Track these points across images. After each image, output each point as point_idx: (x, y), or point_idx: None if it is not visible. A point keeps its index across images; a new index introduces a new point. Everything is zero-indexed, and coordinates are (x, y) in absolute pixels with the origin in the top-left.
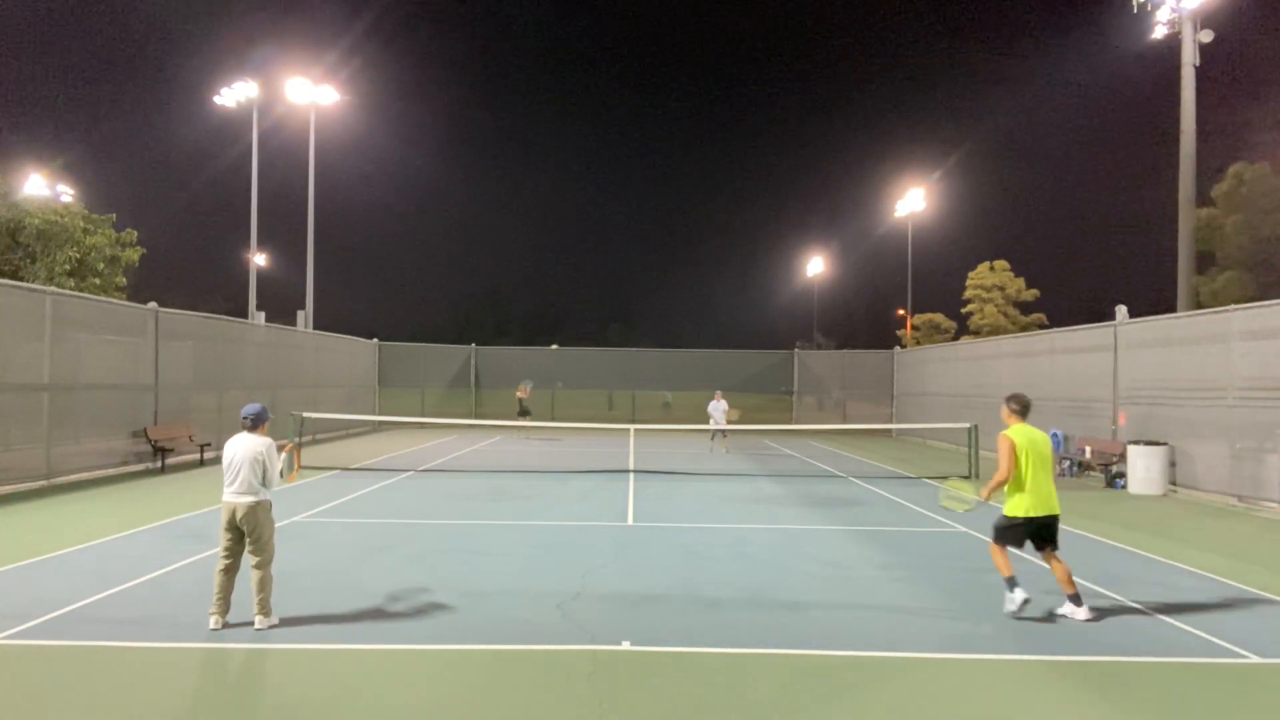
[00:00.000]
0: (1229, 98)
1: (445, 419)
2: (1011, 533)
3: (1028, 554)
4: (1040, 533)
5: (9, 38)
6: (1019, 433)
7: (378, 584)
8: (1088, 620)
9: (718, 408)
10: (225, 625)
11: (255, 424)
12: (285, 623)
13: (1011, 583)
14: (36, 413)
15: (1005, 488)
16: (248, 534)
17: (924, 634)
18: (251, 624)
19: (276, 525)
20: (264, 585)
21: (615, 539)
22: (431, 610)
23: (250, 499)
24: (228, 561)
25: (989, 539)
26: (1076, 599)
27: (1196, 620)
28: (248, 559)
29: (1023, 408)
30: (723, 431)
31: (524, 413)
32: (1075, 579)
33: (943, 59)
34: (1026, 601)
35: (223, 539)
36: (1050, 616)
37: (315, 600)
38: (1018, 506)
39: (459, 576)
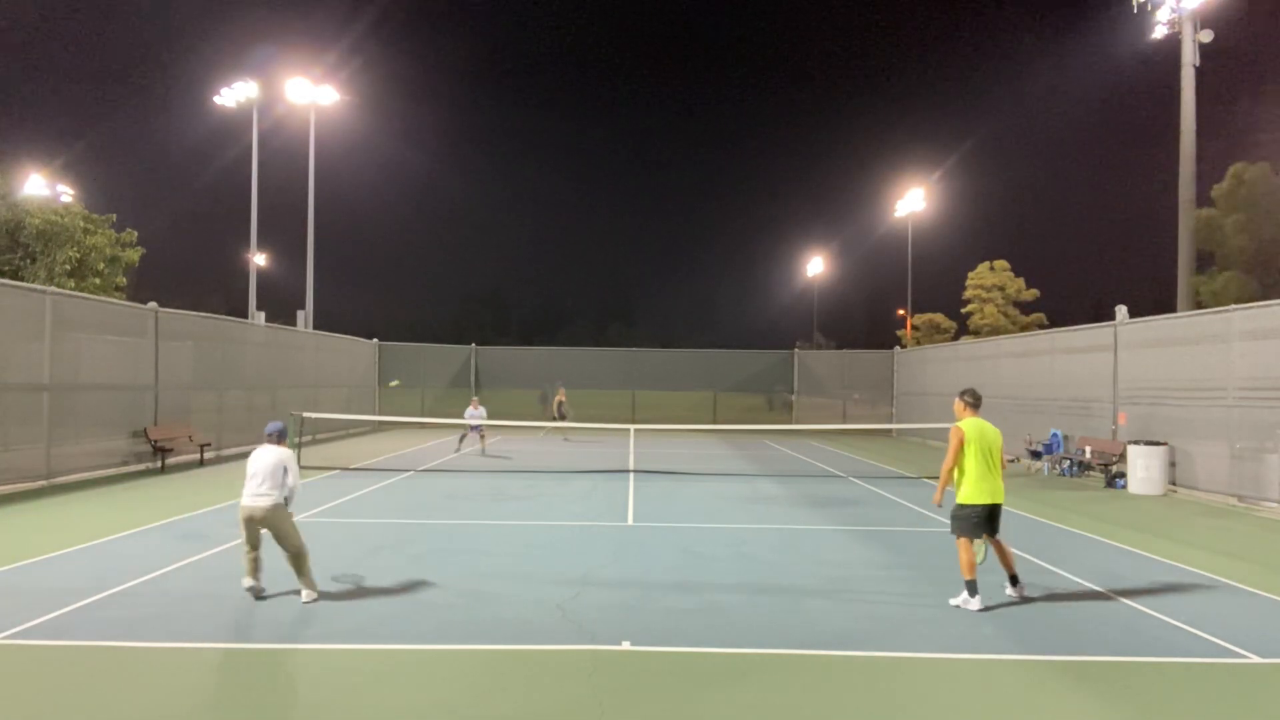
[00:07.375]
0: (1229, 98)
1: (445, 419)
2: (967, 521)
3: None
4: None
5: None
6: (969, 425)
7: (378, 584)
8: (1005, 602)
9: (474, 414)
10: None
11: (280, 438)
12: (285, 623)
13: (972, 587)
14: (36, 413)
15: (956, 478)
16: (272, 532)
17: (924, 634)
18: (298, 595)
19: None
20: (303, 568)
21: (615, 539)
22: (431, 610)
23: (269, 501)
24: (254, 552)
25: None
26: (1015, 580)
27: (1196, 620)
28: (283, 553)
29: (976, 400)
30: (479, 432)
31: (561, 415)
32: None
33: (943, 59)
34: (982, 610)
35: (244, 532)
36: (1036, 610)
37: (316, 600)
38: (969, 494)
39: (459, 576)
